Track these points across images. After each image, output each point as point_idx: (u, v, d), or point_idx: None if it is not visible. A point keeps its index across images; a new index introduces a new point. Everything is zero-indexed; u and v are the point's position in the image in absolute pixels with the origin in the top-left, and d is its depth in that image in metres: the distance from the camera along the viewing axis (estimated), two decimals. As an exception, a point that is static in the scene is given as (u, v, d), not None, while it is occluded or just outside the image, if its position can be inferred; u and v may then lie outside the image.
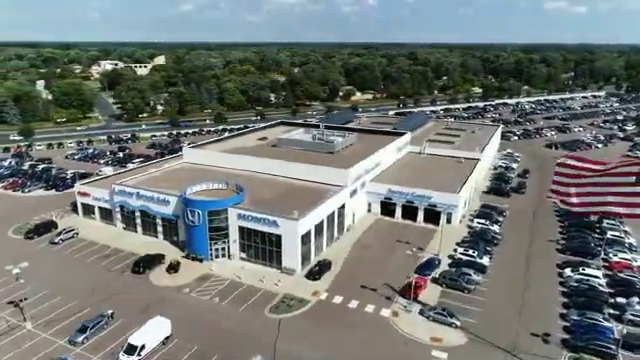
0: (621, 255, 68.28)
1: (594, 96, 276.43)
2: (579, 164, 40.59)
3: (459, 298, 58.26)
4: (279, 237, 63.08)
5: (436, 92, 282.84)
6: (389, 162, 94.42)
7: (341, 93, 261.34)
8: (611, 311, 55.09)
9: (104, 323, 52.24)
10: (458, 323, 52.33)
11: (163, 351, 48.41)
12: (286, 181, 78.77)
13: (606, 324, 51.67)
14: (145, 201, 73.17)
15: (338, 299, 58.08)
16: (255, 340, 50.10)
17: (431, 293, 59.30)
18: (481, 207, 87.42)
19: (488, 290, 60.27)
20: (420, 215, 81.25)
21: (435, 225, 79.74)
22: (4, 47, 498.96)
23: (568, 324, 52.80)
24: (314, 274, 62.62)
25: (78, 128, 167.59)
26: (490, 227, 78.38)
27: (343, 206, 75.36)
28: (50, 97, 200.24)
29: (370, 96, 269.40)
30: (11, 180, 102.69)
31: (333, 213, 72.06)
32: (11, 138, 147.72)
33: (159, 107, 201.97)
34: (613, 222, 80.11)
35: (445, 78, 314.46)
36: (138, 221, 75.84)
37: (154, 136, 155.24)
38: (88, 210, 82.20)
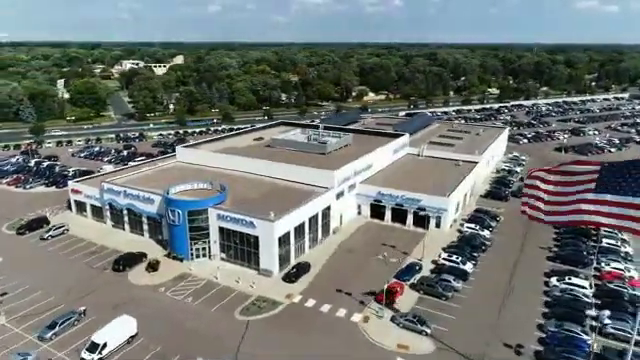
0: (614, 265, 65.53)
1: (616, 98, 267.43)
2: (547, 176, 38.83)
3: (435, 305, 56.78)
4: (257, 238, 62.81)
5: (451, 93, 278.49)
6: (384, 164, 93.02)
7: (354, 93, 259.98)
8: (593, 323, 52.92)
9: (75, 320, 52.78)
10: (428, 331, 50.96)
11: (126, 350, 48.64)
12: (272, 182, 78.45)
13: (584, 337, 49.48)
14: (131, 199, 73.96)
15: (311, 302, 57.37)
16: (219, 342, 49.90)
17: (408, 299, 58.00)
18: (474, 211, 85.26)
19: (467, 297, 58.59)
20: (410, 218, 79.78)
21: (425, 229, 78.26)
22: (34, 47, 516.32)
23: (544, 335, 50.89)
24: (291, 276, 62.07)
25: (85, 126, 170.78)
26: (480, 232, 76.33)
27: (329, 208, 74.55)
28: (66, 96, 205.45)
29: (383, 97, 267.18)
30: (15, 176, 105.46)
31: (317, 215, 71.34)
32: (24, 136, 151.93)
33: (171, 106, 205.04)
34: (611, 230, 76.84)
35: (463, 79, 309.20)
36: (126, 219, 76.73)
37: (161, 135, 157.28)
38: (81, 207, 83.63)
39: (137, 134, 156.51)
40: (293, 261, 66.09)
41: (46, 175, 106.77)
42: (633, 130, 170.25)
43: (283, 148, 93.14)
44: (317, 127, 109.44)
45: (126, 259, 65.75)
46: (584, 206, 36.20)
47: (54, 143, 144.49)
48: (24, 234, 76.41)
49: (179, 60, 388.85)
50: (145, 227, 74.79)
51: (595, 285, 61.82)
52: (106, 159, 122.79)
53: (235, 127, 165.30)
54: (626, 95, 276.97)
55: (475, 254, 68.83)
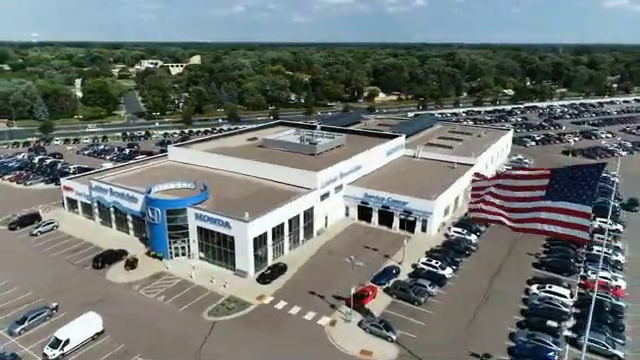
0: (601, 273, 62.91)
1: (637, 100, 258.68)
2: (498, 180, 37.65)
3: (407, 310, 55.65)
4: (233, 239, 62.72)
5: (465, 94, 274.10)
6: (375, 165, 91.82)
7: (365, 94, 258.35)
8: (569, 334, 51.04)
9: (46, 315, 53.63)
10: (394, 337, 49.89)
11: (89, 347, 49.07)
12: (259, 182, 78.27)
13: (553, 347, 47.70)
14: (117, 197, 74.83)
15: (282, 304, 56.92)
16: (183, 342, 49.91)
17: (380, 303, 57.04)
18: (464, 215, 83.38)
19: (441, 303, 57.24)
20: (396, 221, 78.54)
21: (411, 232, 76.93)
22: (61, 47, 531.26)
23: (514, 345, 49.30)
24: (265, 277, 61.77)
25: (89, 125, 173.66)
26: (467, 237, 74.58)
27: (312, 209, 73.96)
28: (80, 95, 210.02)
29: (395, 97, 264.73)
30: (17, 173, 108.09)
31: (298, 216, 70.84)
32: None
33: (181, 105, 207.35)
34: (603, 237, 73.97)
35: (479, 80, 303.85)
36: (112, 217, 77.71)
37: (166, 134, 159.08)
38: (73, 204, 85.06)
39: (143, 133, 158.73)
40: (271, 262, 65.78)
41: (47, 172, 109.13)
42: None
43: (274, 148, 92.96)
44: (314, 127, 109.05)
45: (106, 257, 66.52)
46: (534, 214, 34.96)
47: (61, 141, 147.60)
48: (15, 229, 78.20)
49: (196, 60, 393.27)
50: (130, 225, 75.58)
51: (579, 294, 59.72)
52: (108, 157, 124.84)
53: (241, 127, 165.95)
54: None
55: (457, 259, 67.22)
